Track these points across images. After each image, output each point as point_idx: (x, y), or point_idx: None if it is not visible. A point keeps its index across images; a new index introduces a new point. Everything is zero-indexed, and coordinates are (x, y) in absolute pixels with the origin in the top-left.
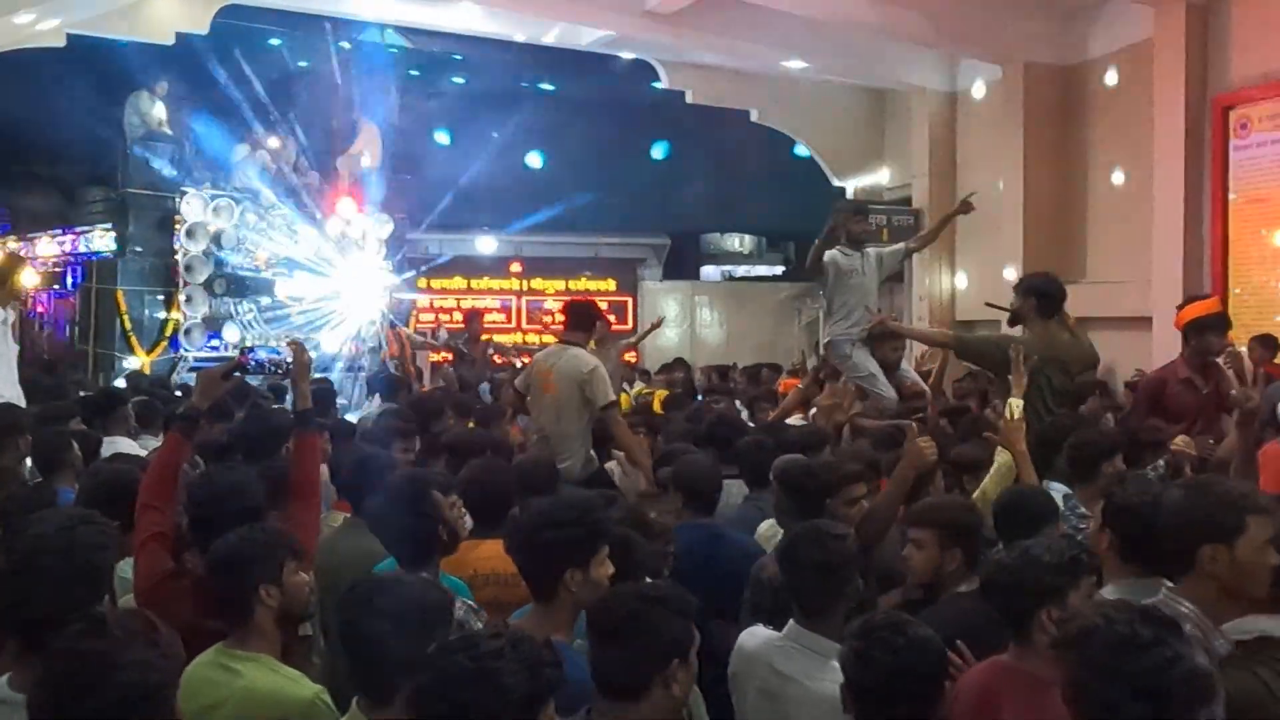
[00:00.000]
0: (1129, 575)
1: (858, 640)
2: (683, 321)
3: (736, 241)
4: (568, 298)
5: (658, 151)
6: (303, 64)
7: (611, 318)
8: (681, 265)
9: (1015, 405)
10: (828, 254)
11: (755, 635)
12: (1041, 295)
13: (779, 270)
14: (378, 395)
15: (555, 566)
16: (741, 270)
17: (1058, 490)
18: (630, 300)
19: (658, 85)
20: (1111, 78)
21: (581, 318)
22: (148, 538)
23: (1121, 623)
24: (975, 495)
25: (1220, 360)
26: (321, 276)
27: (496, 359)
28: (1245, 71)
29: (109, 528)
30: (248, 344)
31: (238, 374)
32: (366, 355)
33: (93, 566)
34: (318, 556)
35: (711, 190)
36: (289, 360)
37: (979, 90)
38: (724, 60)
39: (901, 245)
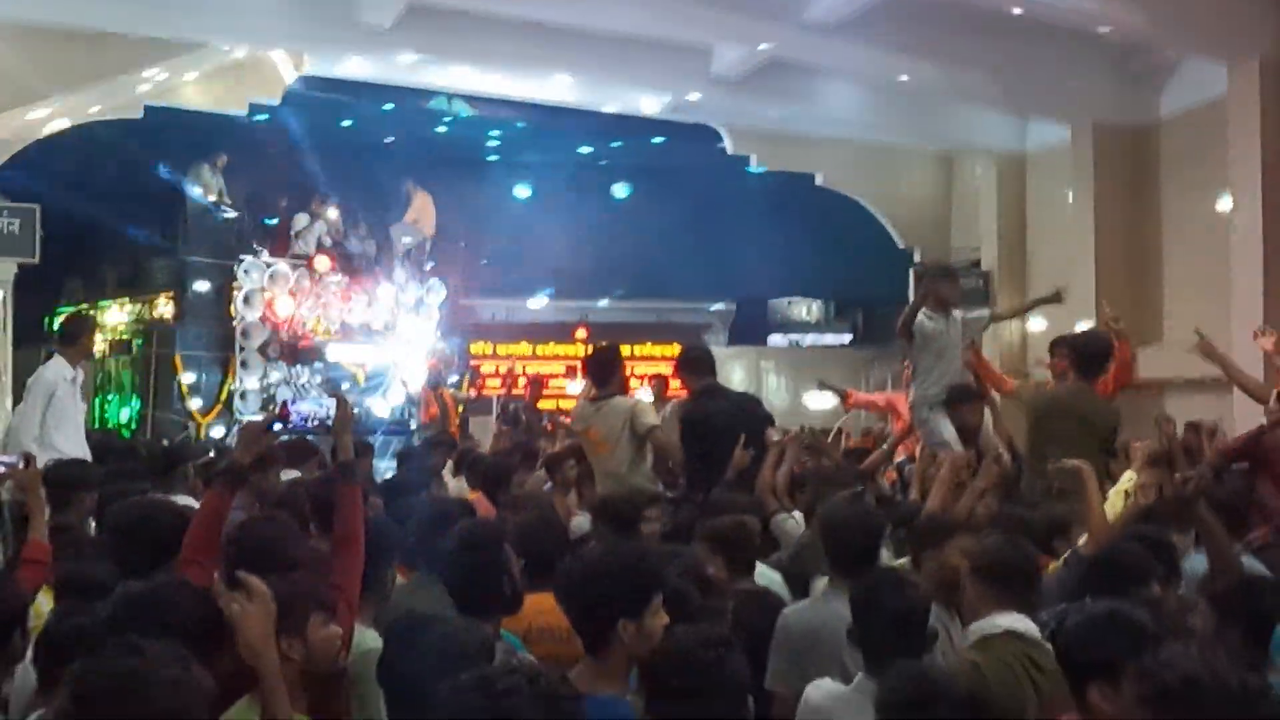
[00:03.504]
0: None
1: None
2: (749, 387)
3: (804, 310)
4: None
5: (724, 217)
6: (363, 133)
7: (675, 383)
8: (749, 333)
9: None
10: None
11: (821, 689)
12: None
13: (846, 339)
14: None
15: (607, 617)
16: (809, 339)
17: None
18: None
19: (724, 150)
20: (1184, 137)
21: (605, 368)
22: None
23: (1226, 673)
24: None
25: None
26: (375, 343)
27: (550, 427)
28: None
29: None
30: (289, 397)
31: (279, 425)
32: (415, 420)
33: None
34: (388, 615)
35: (778, 257)
36: (331, 414)
37: (1048, 151)
38: (788, 125)
39: (986, 311)
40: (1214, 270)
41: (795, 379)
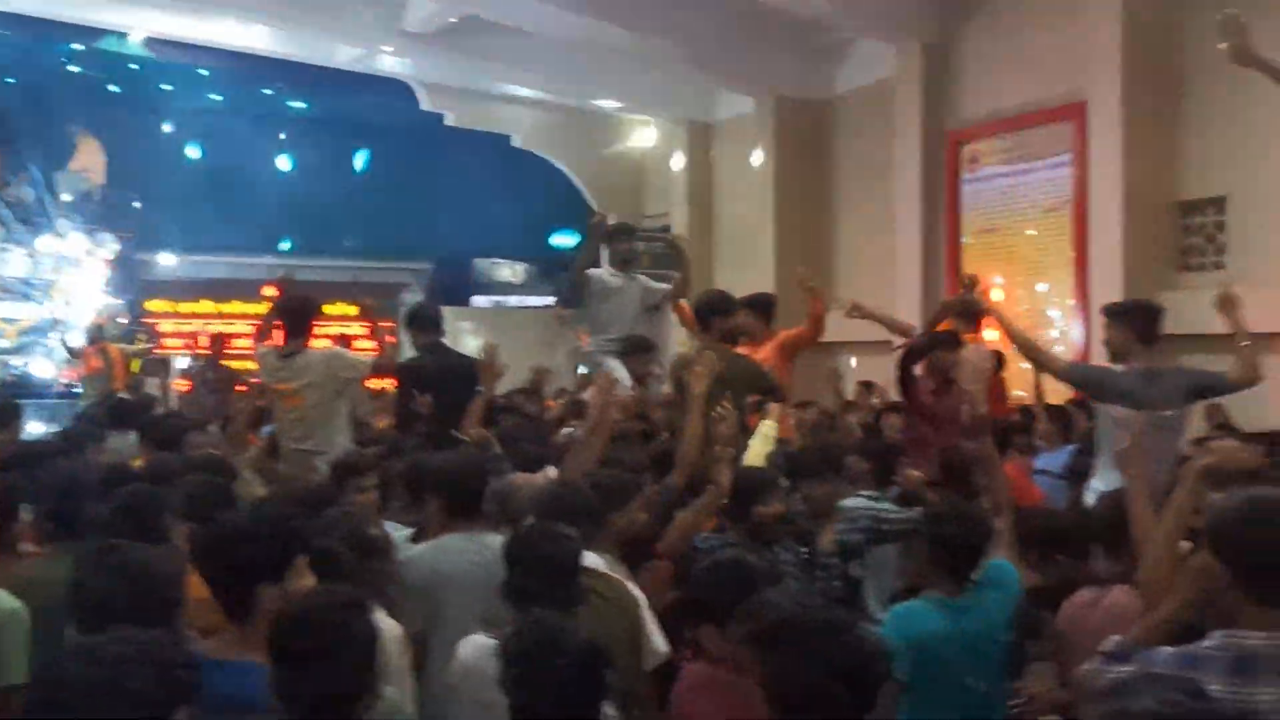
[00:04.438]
0: None
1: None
2: None
3: (508, 271)
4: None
5: (417, 175)
6: (27, 72)
7: (370, 344)
8: (451, 293)
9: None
10: (594, 272)
11: (471, 644)
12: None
13: (550, 300)
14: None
15: (246, 581)
16: (513, 300)
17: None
18: (391, 326)
19: (422, 107)
20: (857, 112)
21: (300, 317)
22: None
23: (816, 609)
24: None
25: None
26: (34, 298)
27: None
28: (975, 109)
29: None
30: None
31: None
32: (83, 381)
33: None
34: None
35: (480, 217)
36: None
37: (735, 120)
38: (485, 84)
39: (667, 287)
40: (882, 237)
41: (494, 339)
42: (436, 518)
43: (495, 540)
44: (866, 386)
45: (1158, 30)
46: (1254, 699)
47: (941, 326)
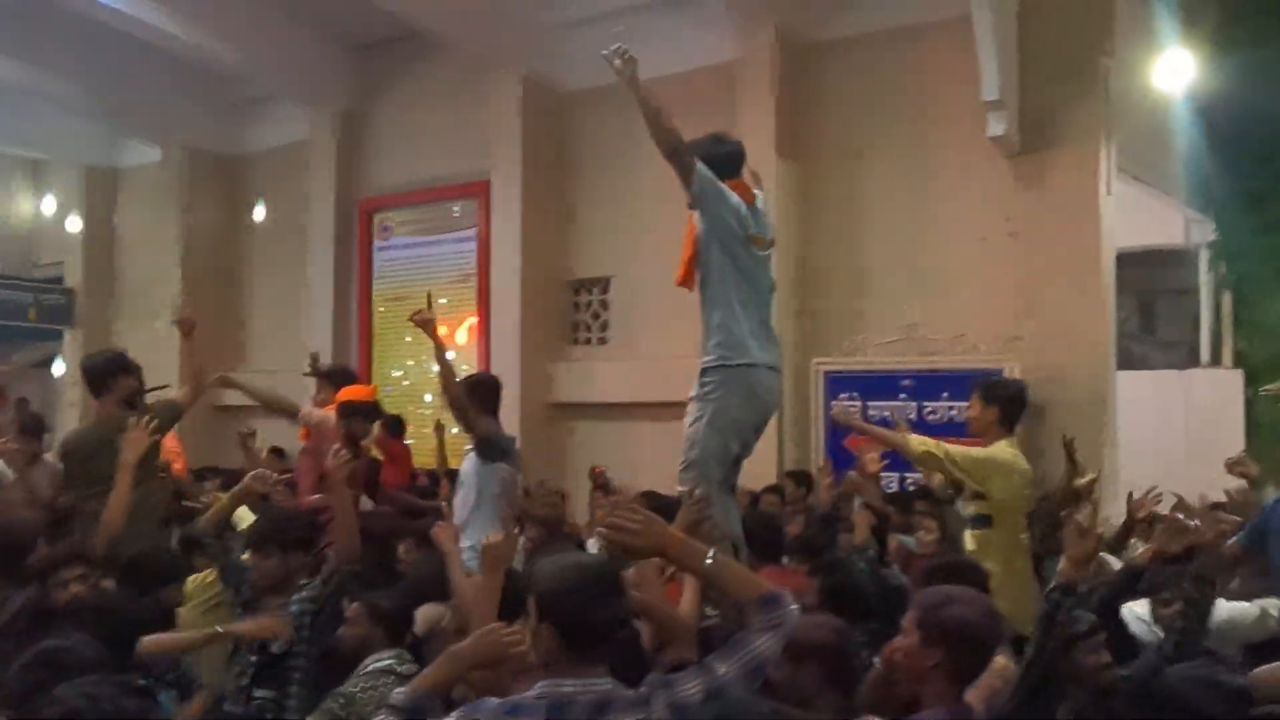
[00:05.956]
0: None
1: None
2: None
3: None
4: None
5: None
6: None
7: None
8: None
9: None
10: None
11: None
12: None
13: None
14: None
15: None
16: None
17: None
18: None
19: None
20: (274, 171)
21: None
22: None
23: (105, 700)
24: None
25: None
26: None
27: None
28: (388, 179)
29: None
30: None
31: None
32: None
33: None
34: None
35: None
36: None
37: (140, 168)
38: None
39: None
40: (295, 300)
41: None
42: None
43: None
44: (277, 454)
45: (553, 119)
46: None
47: (352, 392)
